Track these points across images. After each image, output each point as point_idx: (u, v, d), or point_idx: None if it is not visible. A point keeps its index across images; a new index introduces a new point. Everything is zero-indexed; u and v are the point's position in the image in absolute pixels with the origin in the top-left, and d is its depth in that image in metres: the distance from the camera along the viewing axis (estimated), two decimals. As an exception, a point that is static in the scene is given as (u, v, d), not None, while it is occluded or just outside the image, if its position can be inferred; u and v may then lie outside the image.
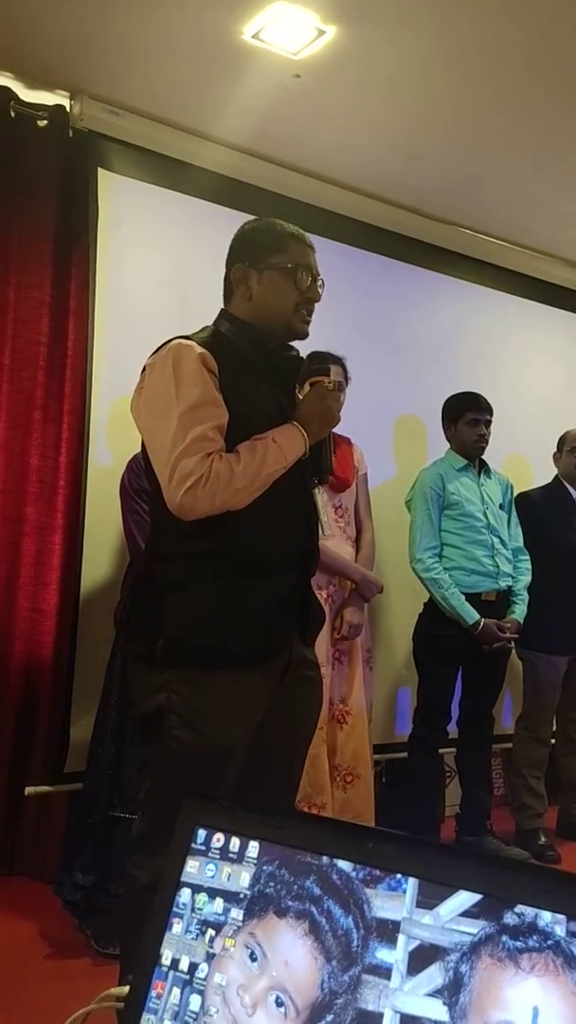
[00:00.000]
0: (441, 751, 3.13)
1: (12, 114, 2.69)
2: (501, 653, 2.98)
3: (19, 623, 2.59)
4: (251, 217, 2.95)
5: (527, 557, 3.10)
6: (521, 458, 3.71)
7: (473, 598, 2.90)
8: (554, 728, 3.29)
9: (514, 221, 3.63)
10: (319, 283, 1.68)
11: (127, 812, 2.28)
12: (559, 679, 3.22)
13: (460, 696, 3.06)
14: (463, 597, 2.88)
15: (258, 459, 1.52)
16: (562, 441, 3.36)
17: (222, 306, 1.72)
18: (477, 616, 2.86)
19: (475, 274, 3.73)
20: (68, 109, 2.79)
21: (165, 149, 2.95)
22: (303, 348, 1.75)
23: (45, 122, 2.74)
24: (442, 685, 2.97)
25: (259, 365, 1.64)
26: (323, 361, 1.75)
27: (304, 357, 1.75)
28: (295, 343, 1.71)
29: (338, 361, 2.79)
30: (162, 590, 1.56)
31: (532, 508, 3.25)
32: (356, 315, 3.30)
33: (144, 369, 1.62)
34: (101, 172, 2.83)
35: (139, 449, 2.45)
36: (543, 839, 3.12)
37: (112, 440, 2.76)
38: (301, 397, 1.71)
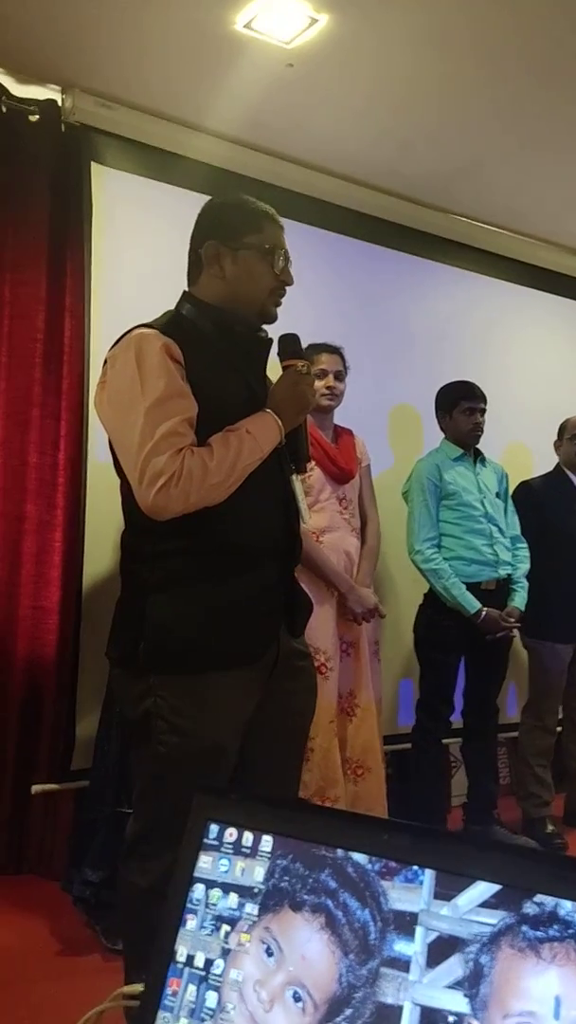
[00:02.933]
0: (445, 741, 3.13)
1: (3, 109, 2.67)
2: (503, 641, 2.98)
3: (21, 621, 2.58)
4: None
5: (525, 545, 3.09)
6: (521, 446, 3.70)
7: (473, 587, 2.89)
8: (560, 716, 3.29)
9: (511, 208, 3.61)
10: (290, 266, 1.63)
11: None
12: (564, 667, 3.21)
13: (464, 686, 3.05)
14: (464, 587, 2.88)
15: (232, 452, 1.46)
16: (562, 429, 3.35)
17: (185, 288, 1.67)
18: (479, 605, 2.86)
19: (471, 262, 3.72)
20: (60, 103, 2.77)
21: (159, 142, 2.93)
22: (273, 333, 1.69)
23: (37, 117, 2.72)
24: (445, 675, 2.97)
25: (226, 350, 1.58)
26: (295, 344, 1.68)
27: (272, 339, 1.68)
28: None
29: (336, 351, 2.78)
30: (143, 591, 1.50)
31: (534, 496, 3.24)
32: (351, 304, 3.29)
33: (106, 362, 1.55)
34: (94, 166, 2.81)
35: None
36: (550, 827, 3.12)
37: (111, 436, 2.75)
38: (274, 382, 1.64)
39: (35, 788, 2.55)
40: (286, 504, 1.62)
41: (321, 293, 3.12)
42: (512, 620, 2.93)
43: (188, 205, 2.98)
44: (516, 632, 3.03)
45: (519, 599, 2.99)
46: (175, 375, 1.46)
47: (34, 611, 2.61)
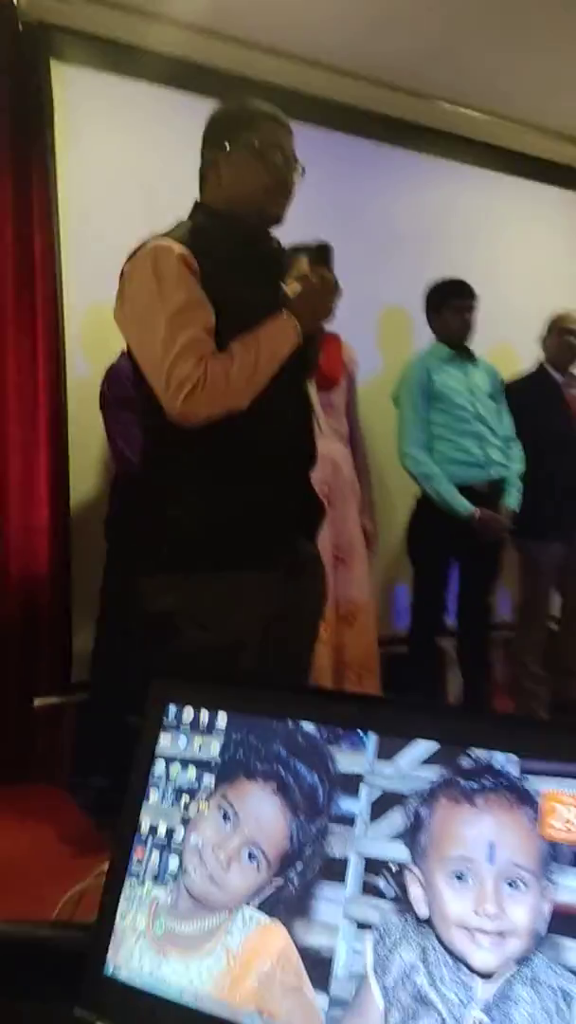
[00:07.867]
0: (440, 643, 3.19)
1: (-47, 7, 2.53)
2: (496, 543, 2.99)
3: (12, 541, 2.61)
4: (213, 101, 2.80)
5: (519, 445, 3.07)
6: (507, 345, 3.62)
7: (465, 490, 2.88)
8: (551, 613, 3.34)
9: (495, 90, 3.43)
10: (297, 170, 1.61)
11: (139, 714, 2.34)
12: (554, 565, 3.24)
13: (458, 588, 3.08)
14: (455, 490, 2.87)
15: (252, 356, 1.48)
16: (551, 325, 3.28)
17: (197, 198, 1.64)
18: (471, 507, 2.85)
19: (454, 151, 3.57)
20: (14, 2, 2.62)
21: (119, 33, 2.80)
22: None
23: (-10, 15, 2.58)
24: (438, 578, 3.00)
25: (240, 258, 1.57)
26: (325, 253, 1.65)
27: (286, 248, 1.66)
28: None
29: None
30: (163, 495, 1.55)
31: (519, 397, 3.19)
32: (331, 202, 3.16)
33: (122, 275, 1.55)
34: (54, 64, 2.70)
35: (116, 358, 2.43)
36: (543, 720, 3.21)
37: (88, 350, 2.71)
38: (289, 288, 1.63)
39: (37, 701, 2.62)
40: (302, 408, 1.64)
41: (296, 189, 3.01)
42: (505, 521, 2.93)
43: (153, 99, 2.88)
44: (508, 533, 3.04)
45: (512, 499, 2.98)
46: (193, 285, 1.48)
47: (24, 531, 2.63)
